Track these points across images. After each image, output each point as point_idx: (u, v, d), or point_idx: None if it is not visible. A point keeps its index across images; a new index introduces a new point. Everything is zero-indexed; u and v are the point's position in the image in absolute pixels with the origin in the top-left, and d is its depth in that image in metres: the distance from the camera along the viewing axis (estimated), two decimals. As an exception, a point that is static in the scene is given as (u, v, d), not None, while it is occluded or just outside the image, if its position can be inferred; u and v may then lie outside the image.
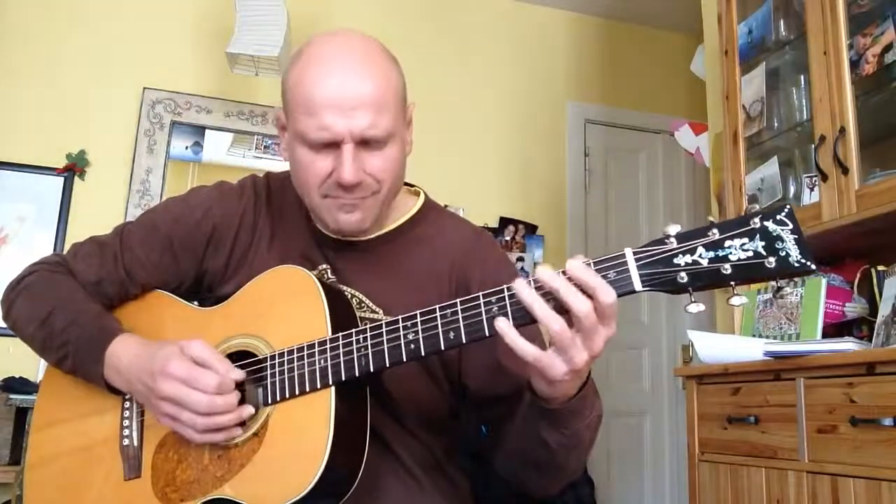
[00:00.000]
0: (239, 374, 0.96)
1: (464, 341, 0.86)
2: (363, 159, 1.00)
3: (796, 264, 0.76)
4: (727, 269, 0.78)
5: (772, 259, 0.76)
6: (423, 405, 1.08)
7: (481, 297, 0.85)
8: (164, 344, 0.99)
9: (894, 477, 1.39)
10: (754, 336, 2.03)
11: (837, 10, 1.88)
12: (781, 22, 2.18)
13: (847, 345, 1.61)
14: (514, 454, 1.01)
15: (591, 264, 0.82)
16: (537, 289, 0.81)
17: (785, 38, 2.17)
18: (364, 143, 0.99)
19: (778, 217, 0.77)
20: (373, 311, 1.06)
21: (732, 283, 0.78)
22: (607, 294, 0.79)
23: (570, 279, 0.80)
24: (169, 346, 0.97)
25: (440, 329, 0.87)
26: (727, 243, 0.78)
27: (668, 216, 3.96)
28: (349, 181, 0.99)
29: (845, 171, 1.81)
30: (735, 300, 0.80)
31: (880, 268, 1.82)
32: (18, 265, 1.17)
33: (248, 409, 0.96)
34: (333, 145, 0.99)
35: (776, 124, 2.19)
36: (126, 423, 1.06)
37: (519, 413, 0.97)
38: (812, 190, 1.97)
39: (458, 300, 0.87)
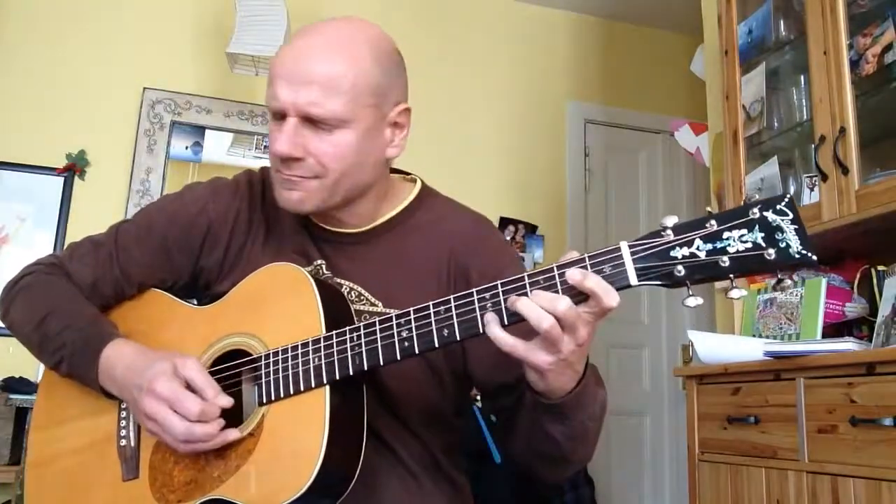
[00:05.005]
0: (226, 402, 0.95)
1: (458, 338, 0.86)
2: (307, 138, 0.99)
3: (797, 255, 0.74)
4: (725, 261, 0.76)
5: (771, 251, 0.75)
6: (424, 403, 1.07)
7: (475, 294, 0.85)
8: (158, 357, 0.98)
9: (894, 477, 1.39)
10: (754, 336, 2.02)
11: (837, 10, 1.88)
12: (781, 22, 2.18)
13: (847, 345, 1.61)
14: (522, 445, 1.00)
15: (587, 258, 0.81)
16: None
17: (785, 38, 2.17)
18: (311, 122, 0.99)
19: (778, 207, 0.76)
20: (372, 304, 1.05)
21: (731, 275, 0.77)
22: (611, 299, 0.79)
23: (571, 287, 0.80)
24: (162, 362, 0.97)
25: (434, 326, 0.87)
26: (725, 235, 0.76)
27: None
28: (277, 151, 0.99)
29: (845, 171, 1.81)
30: (734, 293, 0.78)
31: (880, 268, 1.82)
32: (18, 265, 1.16)
33: (233, 434, 0.95)
34: (285, 117, 0.99)
35: (776, 124, 2.19)
36: (123, 423, 1.05)
37: (524, 406, 0.96)
38: (812, 190, 1.97)
39: (451, 297, 0.86)
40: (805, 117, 2.08)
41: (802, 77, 2.10)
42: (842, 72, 1.86)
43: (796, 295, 1.93)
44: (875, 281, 1.84)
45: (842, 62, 1.86)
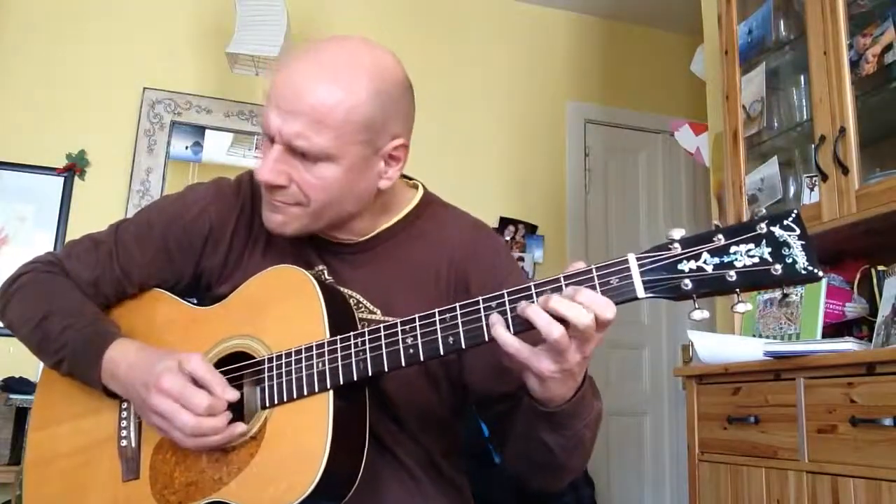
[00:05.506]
0: (233, 395, 0.95)
1: (463, 346, 0.85)
2: (292, 166, 0.98)
3: (803, 272, 0.75)
4: (732, 276, 0.76)
5: (778, 266, 0.75)
6: (422, 406, 1.07)
7: (481, 302, 0.84)
8: (162, 355, 0.98)
9: (894, 477, 1.39)
10: (754, 336, 2.03)
11: (837, 10, 1.88)
12: (781, 22, 2.18)
13: (847, 345, 1.61)
14: (516, 454, 1.00)
15: (594, 270, 0.81)
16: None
17: (785, 38, 2.17)
18: (298, 152, 0.97)
19: (785, 222, 0.76)
20: (371, 312, 1.05)
21: (737, 290, 0.77)
22: (608, 311, 0.79)
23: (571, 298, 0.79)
24: (167, 359, 0.96)
25: (439, 334, 0.86)
26: (732, 249, 0.77)
27: (668, 216, 3.95)
28: (259, 177, 0.99)
29: (845, 171, 1.81)
30: (740, 307, 0.78)
31: (880, 268, 1.82)
32: (18, 265, 1.15)
33: (240, 428, 0.95)
34: (274, 141, 0.99)
35: (776, 124, 2.19)
36: (123, 423, 1.05)
37: (519, 414, 0.96)
38: (812, 190, 1.97)
39: (457, 304, 0.86)
40: (805, 117, 2.08)
41: (802, 77, 2.10)
42: (842, 72, 1.86)
43: (796, 295, 1.93)
44: (875, 281, 1.84)
45: (842, 62, 1.86)
